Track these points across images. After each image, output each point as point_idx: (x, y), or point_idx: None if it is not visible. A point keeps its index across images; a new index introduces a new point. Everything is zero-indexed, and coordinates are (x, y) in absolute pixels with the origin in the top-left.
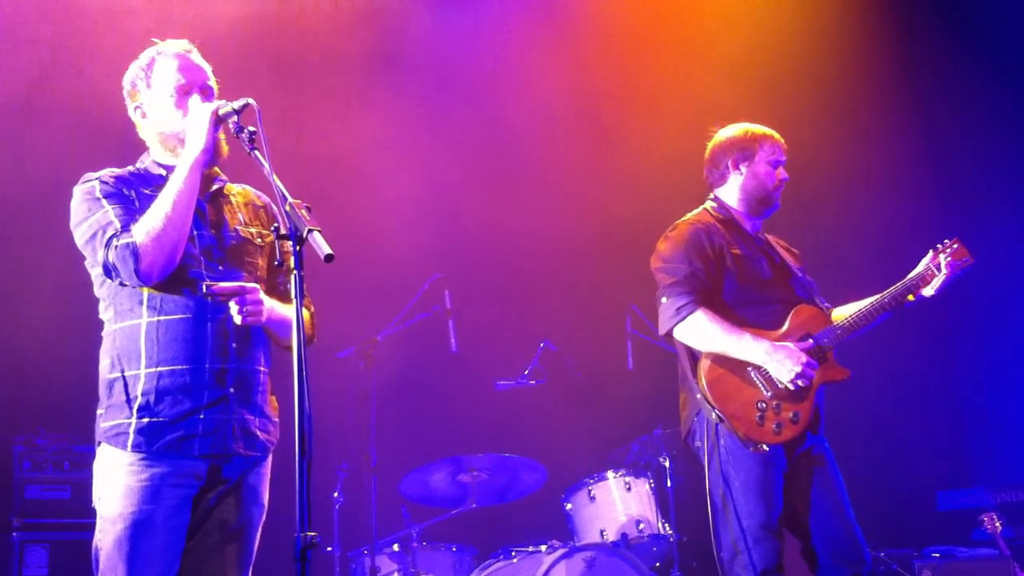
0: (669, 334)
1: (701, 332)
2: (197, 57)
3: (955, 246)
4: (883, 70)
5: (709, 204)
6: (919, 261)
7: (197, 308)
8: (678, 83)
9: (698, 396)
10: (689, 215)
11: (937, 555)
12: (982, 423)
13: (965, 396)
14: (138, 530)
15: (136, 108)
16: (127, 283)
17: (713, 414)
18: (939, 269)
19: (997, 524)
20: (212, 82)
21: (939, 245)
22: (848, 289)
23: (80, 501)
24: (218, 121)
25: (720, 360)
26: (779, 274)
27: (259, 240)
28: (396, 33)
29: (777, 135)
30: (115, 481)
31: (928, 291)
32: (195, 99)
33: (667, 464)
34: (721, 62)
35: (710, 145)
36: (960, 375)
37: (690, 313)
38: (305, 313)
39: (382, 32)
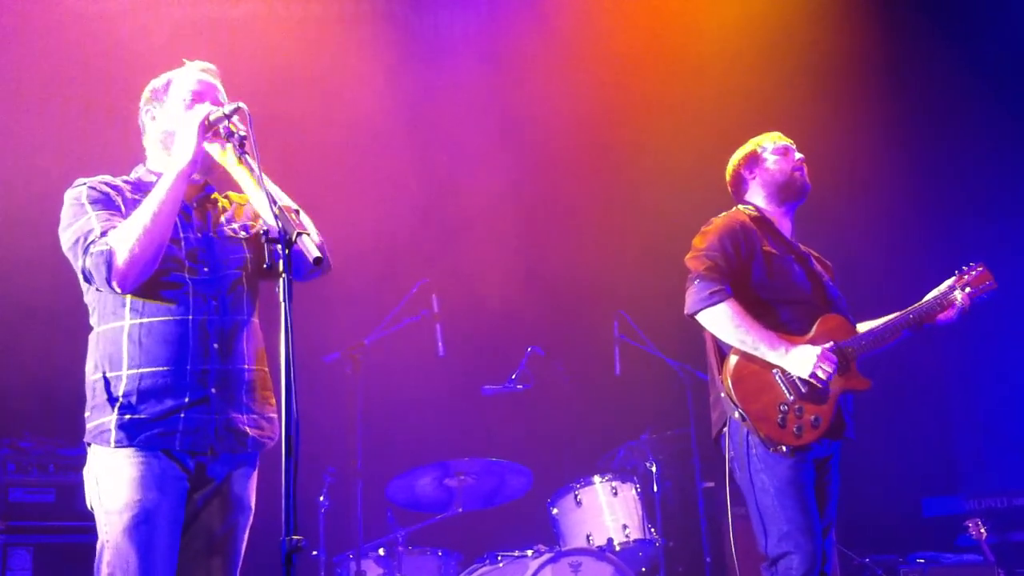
0: (692, 316)
1: (727, 321)
2: (216, 78)
3: (979, 270)
4: (882, 74)
5: (742, 206)
6: (932, 274)
7: (179, 310)
8: (670, 92)
9: (723, 395)
10: (723, 213)
11: (922, 561)
12: (967, 430)
13: (951, 402)
14: (147, 517)
15: (147, 111)
16: (101, 289)
17: (736, 412)
18: (959, 296)
19: (982, 530)
20: (223, 100)
21: (964, 267)
22: (866, 305)
23: (65, 504)
24: (209, 126)
25: (747, 360)
26: (810, 279)
27: (243, 234)
28: (384, 37)
29: (776, 133)
30: (116, 475)
31: (946, 316)
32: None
33: (654, 469)
34: (715, 72)
35: (727, 178)
36: (946, 381)
37: (721, 300)
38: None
39: (370, 37)
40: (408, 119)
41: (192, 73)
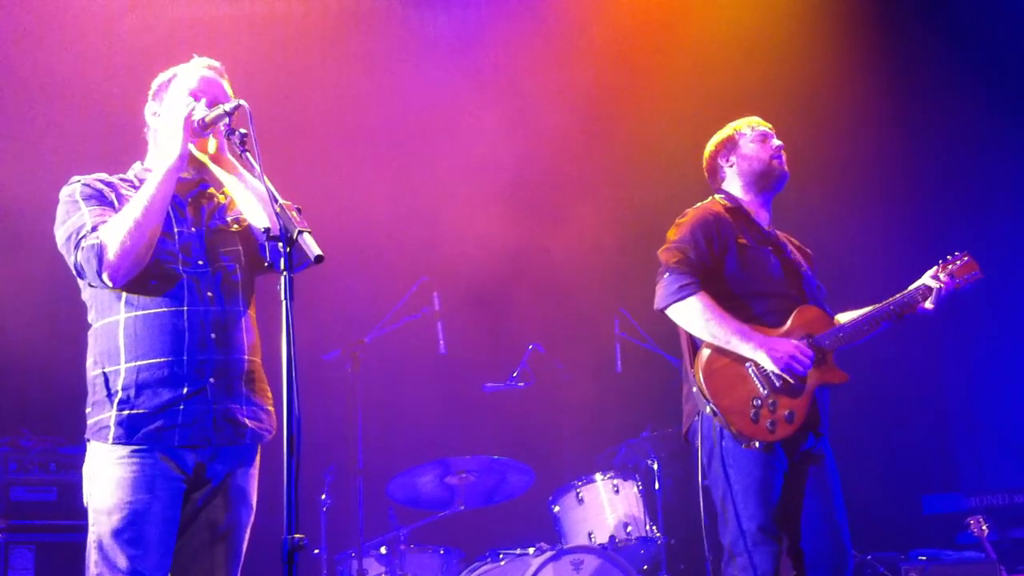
0: (663, 311)
1: (697, 315)
2: (222, 76)
3: (964, 259)
4: (878, 71)
5: (718, 196)
6: (922, 270)
7: (174, 302)
8: (668, 88)
9: (694, 389)
10: (698, 204)
11: (923, 558)
12: (968, 427)
13: (951, 400)
14: (137, 518)
15: (149, 107)
16: (93, 284)
17: (708, 407)
18: (942, 284)
19: (984, 527)
20: (229, 97)
21: (948, 257)
22: (847, 295)
23: (66, 503)
24: (207, 125)
25: (719, 353)
26: (787, 270)
27: (236, 226)
28: (385, 35)
29: (754, 118)
30: (107, 474)
31: (928, 305)
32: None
33: (655, 466)
34: (714, 69)
35: (703, 161)
36: (946, 379)
37: (691, 294)
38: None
39: (370, 34)
40: (408, 117)
41: (194, 71)
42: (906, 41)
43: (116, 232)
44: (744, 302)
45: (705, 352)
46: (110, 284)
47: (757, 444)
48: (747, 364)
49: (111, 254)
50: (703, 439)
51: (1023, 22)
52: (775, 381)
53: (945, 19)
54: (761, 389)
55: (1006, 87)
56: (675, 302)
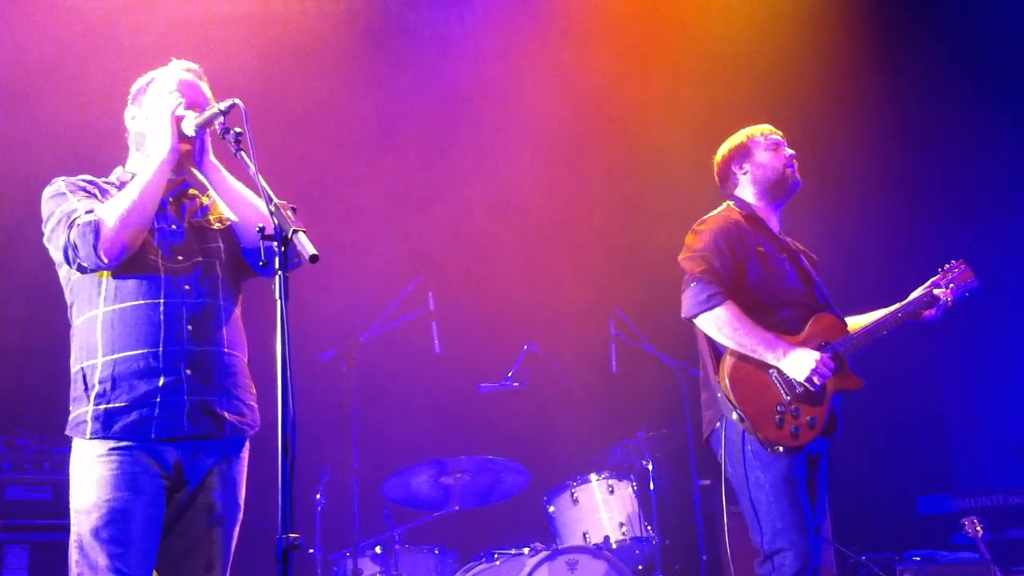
0: (691, 320)
1: (725, 325)
2: (200, 78)
3: (961, 267)
4: (878, 72)
5: (731, 203)
6: (919, 272)
7: (152, 294)
8: (668, 88)
9: (719, 395)
10: (715, 212)
11: (918, 559)
12: (963, 428)
13: (946, 401)
14: (117, 517)
15: (128, 112)
16: (85, 263)
17: (734, 414)
18: (948, 296)
19: (978, 528)
20: (209, 99)
21: (945, 266)
22: (844, 298)
23: (61, 502)
24: (205, 124)
25: (743, 360)
26: (801, 277)
27: (217, 225)
28: (381, 35)
29: (767, 126)
30: (88, 472)
31: (931, 313)
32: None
33: (650, 467)
34: (712, 71)
35: (714, 167)
36: (942, 380)
37: (719, 304)
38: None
39: (366, 34)
40: (406, 117)
41: (173, 74)
42: (906, 43)
43: (114, 210)
44: (766, 310)
45: (729, 359)
46: (105, 260)
47: (781, 449)
48: (770, 371)
49: (109, 227)
50: (727, 444)
51: (1023, 23)
52: (797, 387)
53: (945, 21)
54: (784, 395)
55: (1006, 88)
56: (703, 312)
